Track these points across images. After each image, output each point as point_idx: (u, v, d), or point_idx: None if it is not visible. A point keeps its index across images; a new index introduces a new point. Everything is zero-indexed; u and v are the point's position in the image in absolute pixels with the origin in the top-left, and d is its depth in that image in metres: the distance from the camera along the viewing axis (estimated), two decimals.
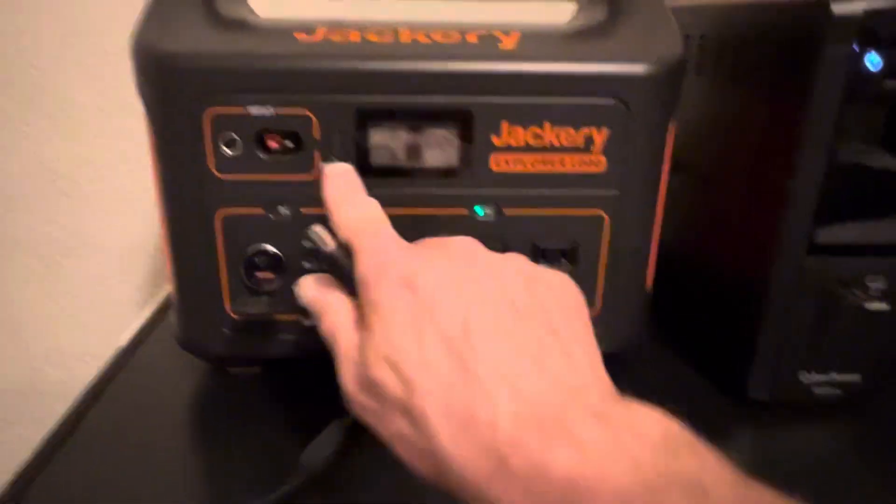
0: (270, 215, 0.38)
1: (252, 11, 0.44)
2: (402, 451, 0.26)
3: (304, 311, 0.40)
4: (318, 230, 0.32)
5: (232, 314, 0.40)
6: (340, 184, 0.33)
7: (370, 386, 0.26)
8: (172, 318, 0.42)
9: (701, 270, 0.50)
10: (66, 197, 0.74)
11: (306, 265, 0.39)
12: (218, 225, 0.38)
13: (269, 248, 0.39)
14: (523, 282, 0.27)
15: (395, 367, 0.25)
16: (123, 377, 0.46)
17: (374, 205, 0.32)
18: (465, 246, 0.29)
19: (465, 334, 0.25)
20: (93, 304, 0.79)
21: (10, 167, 0.72)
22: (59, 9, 0.67)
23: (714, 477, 0.21)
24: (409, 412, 0.25)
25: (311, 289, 0.32)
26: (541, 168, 0.38)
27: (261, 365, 0.45)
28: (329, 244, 0.31)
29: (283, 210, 0.38)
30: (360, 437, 0.29)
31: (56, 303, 0.79)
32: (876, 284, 0.38)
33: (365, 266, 0.28)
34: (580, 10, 0.47)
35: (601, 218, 0.40)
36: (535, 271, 0.29)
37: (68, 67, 0.69)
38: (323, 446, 0.33)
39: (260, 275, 0.39)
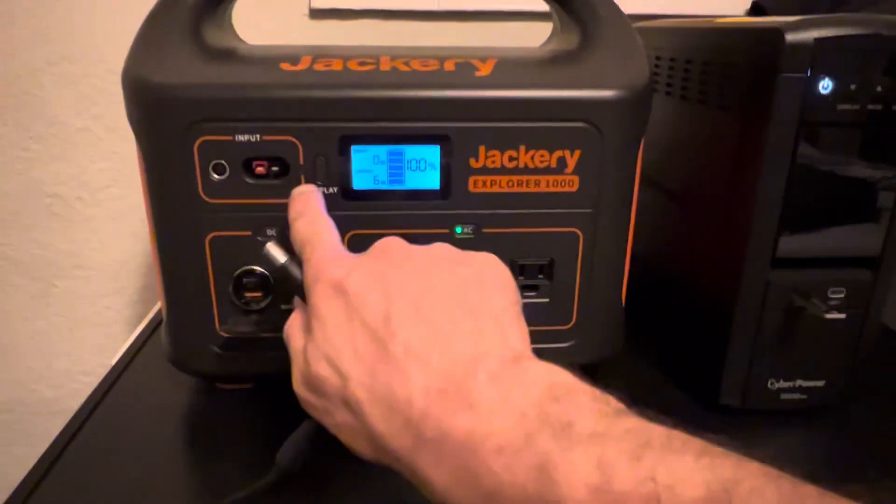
0: (258, 237, 0.40)
1: (239, 39, 0.46)
2: (346, 439, 0.29)
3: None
4: (269, 247, 0.34)
5: (221, 333, 0.42)
6: (300, 202, 0.36)
7: (314, 383, 0.29)
8: (163, 336, 0.44)
9: (673, 284, 0.52)
10: (59, 218, 0.75)
11: None
12: (207, 247, 0.40)
13: (257, 268, 0.40)
14: (445, 267, 0.30)
15: (332, 364, 0.28)
16: (115, 395, 0.47)
17: (324, 221, 0.34)
18: (392, 245, 0.31)
19: (387, 324, 0.27)
20: (85, 323, 0.80)
21: (4, 189, 0.74)
22: (53, 36, 0.69)
23: (583, 412, 0.24)
24: (347, 402, 0.27)
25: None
26: (517, 188, 0.40)
27: (251, 381, 0.46)
28: (279, 259, 0.34)
29: (270, 232, 0.40)
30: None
31: (49, 322, 0.80)
32: (836, 295, 0.40)
33: (306, 275, 0.31)
34: (553, 35, 0.49)
35: (576, 235, 0.42)
36: (458, 256, 0.31)
37: (62, 93, 0.71)
38: (297, 443, 0.34)
39: (248, 294, 0.41)
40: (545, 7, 0.46)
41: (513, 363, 0.26)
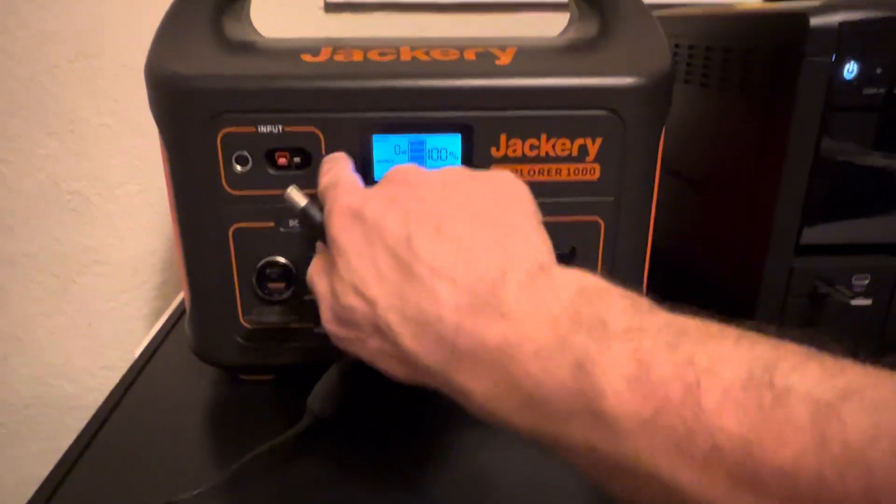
0: (281, 228, 0.40)
1: (257, 32, 0.46)
2: (382, 364, 0.29)
3: (315, 319, 0.42)
4: (290, 191, 0.34)
5: (245, 324, 0.42)
6: (328, 163, 0.37)
7: (345, 315, 0.29)
8: (187, 328, 0.44)
9: (695, 272, 0.51)
10: (78, 214, 0.76)
11: None
12: (230, 238, 0.40)
13: (280, 259, 0.41)
14: (461, 186, 0.30)
15: (359, 292, 0.28)
16: (139, 388, 0.47)
17: (347, 170, 0.35)
18: (406, 170, 0.32)
19: (409, 245, 0.27)
20: (104, 318, 0.81)
21: (23, 186, 0.74)
22: (71, 34, 0.70)
23: (616, 312, 0.24)
24: (378, 327, 0.28)
25: None
26: (538, 177, 0.40)
27: (273, 372, 0.46)
28: (300, 202, 0.34)
29: (293, 223, 0.40)
30: (361, 379, 0.30)
31: (69, 318, 0.80)
32: (860, 281, 0.39)
33: (325, 211, 0.32)
34: (571, 22, 0.49)
35: (597, 223, 0.42)
36: (473, 174, 0.31)
37: (80, 90, 0.71)
38: (326, 389, 0.35)
39: (271, 285, 0.41)
40: None
41: (540, 271, 0.27)
